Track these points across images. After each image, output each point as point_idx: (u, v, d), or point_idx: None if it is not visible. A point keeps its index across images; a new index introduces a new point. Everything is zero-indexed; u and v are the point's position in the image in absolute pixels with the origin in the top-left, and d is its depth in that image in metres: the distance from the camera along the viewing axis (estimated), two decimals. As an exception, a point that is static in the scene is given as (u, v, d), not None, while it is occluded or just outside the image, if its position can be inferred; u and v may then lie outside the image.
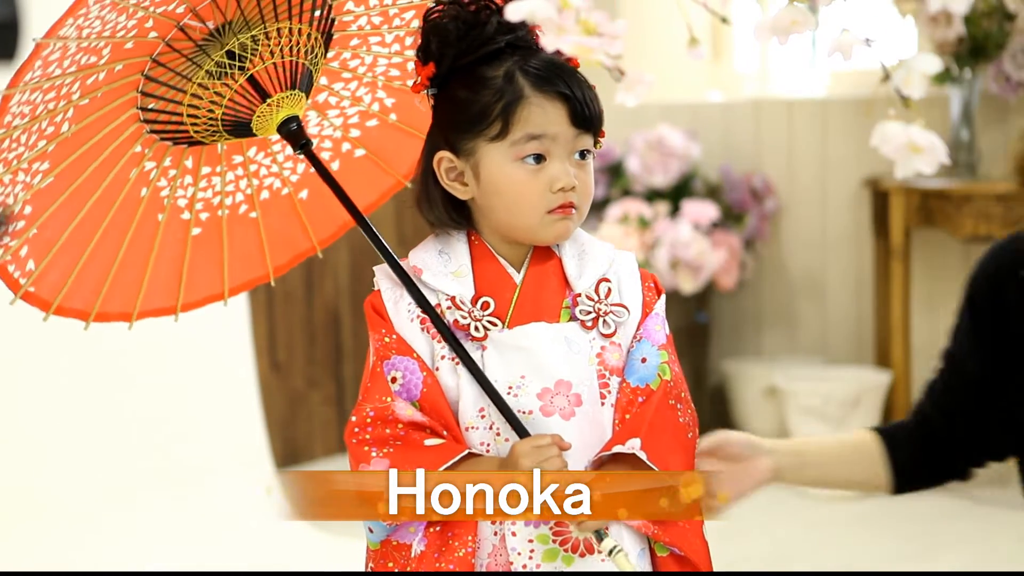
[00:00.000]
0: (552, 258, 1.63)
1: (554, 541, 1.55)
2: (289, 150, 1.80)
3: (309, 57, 1.70)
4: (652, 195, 4.09)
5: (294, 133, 1.69)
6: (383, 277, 1.63)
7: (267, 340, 4.20)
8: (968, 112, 3.81)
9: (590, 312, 1.60)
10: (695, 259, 3.93)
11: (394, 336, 1.58)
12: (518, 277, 1.61)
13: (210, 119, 1.68)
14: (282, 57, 1.67)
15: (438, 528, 1.55)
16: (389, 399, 1.55)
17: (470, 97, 1.58)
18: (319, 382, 4.38)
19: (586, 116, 1.58)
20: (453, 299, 1.59)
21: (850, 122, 4.14)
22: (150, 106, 1.68)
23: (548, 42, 1.22)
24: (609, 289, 1.62)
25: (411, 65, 1.72)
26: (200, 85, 1.66)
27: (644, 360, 1.61)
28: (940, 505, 3.80)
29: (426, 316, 1.58)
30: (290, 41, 1.68)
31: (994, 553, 3.42)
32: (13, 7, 0.90)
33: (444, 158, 1.61)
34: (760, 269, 4.32)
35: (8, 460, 3.27)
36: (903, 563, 3.35)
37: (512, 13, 1.22)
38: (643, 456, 1.55)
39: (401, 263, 1.64)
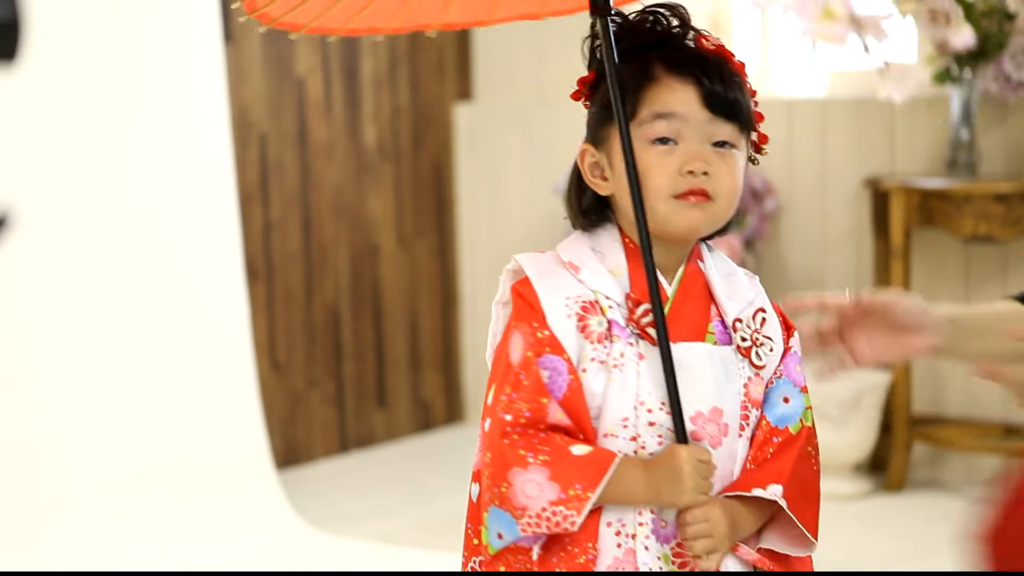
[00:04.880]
0: (701, 276, 1.58)
1: (673, 562, 1.52)
2: None
3: None
4: (652, 195, 4.09)
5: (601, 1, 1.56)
6: (531, 265, 1.56)
7: (267, 340, 4.20)
8: (968, 112, 3.80)
9: (746, 340, 1.56)
10: (695, 259, 3.92)
11: (547, 332, 1.51)
12: (670, 289, 1.56)
13: None
14: None
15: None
16: (546, 400, 1.49)
17: (607, 89, 1.56)
18: (319, 382, 4.38)
19: (719, 100, 1.53)
20: (628, 296, 1.52)
21: (850, 122, 4.14)
22: None
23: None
24: (764, 319, 1.58)
25: None
26: None
27: (787, 400, 1.58)
28: (940, 505, 3.80)
29: (583, 313, 1.51)
30: None
31: (994, 553, 3.42)
32: (13, 7, 0.90)
33: (587, 151, 1.58)
34: (760, 269, 4.32)
35: (8, 460, 3.27)
36: (903, 563, 3.35)
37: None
38: (783, 504, 1.53)
39: (551, 256, 1.58)
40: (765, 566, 1.55)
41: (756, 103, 1.61)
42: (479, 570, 1.57)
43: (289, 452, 4.26)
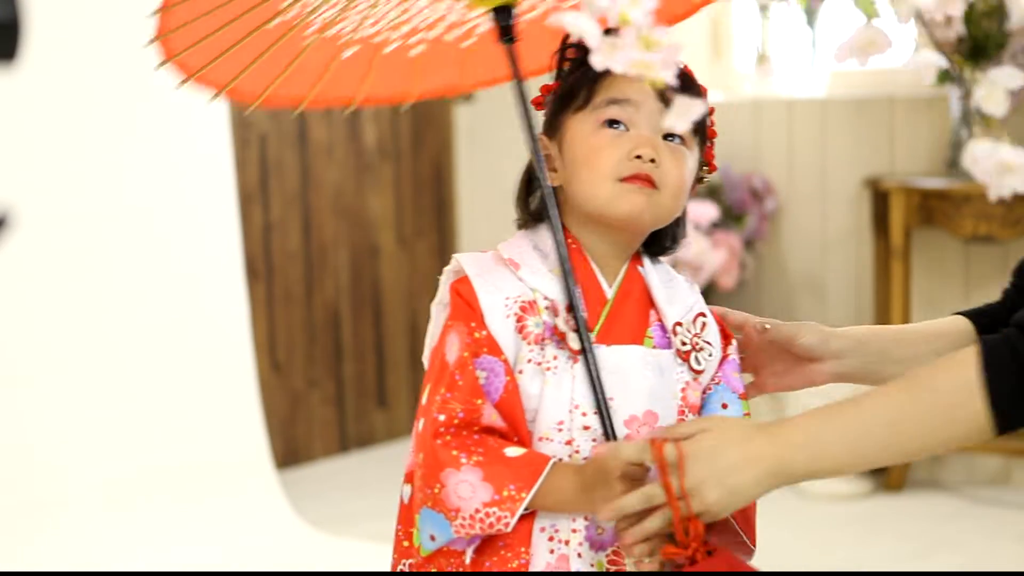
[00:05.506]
0: (640, 280, 1.56)
1: (608, 569, 1.50)
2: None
3: None
4: (652, 195, 4.09)
5: (505, 28, 1.59)
6: (471, 264, 1.55)
7: (267, 340, 4.20)
8: (968, 112, 3.80)
9: (687, 344, 1.54)
10: (695, 259, 3.92)
11: (484, 332, 1.50)
12: (610, 292, 1.55)
13: None
14: None
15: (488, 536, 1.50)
16: (480, 402, 1.47)
17: (565, 82, 1.59)
18: (319, 382, 4.38)
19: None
20: (554, 303, 1.51)
21: (850, 122, 4.14)
22: None
23: (597, 61, 1.19)
24: (704, 324, 1.57)
25: None
26: None
27: (725, 406, 1.56)
28: (940, 505, 3.80)
29: (522, 313, 1.50)
30: None
31: (994, 553, 3.42)
32: (13, 7, 0.90)
33: (541, 142, 1.59)
34: (760, 269, 4.32)
35: (8, 460, 3.27)
36: (903, 563, 3.36)
37: (567, 25, 1.19)
38: None
39: (492, 255, 1.57)
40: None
41: (712, 122, 1.61)
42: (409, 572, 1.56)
43: (289, 452, 4.26)
